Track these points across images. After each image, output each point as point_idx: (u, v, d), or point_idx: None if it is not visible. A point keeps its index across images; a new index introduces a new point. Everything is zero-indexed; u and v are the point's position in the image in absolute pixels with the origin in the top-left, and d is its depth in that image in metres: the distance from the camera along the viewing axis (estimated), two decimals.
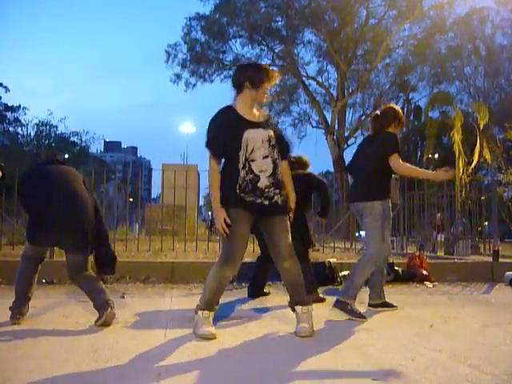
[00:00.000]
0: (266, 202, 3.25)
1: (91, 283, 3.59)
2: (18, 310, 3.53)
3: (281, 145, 3.38)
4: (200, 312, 3.25)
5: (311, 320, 3.29)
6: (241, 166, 3.22)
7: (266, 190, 3.24)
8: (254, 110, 3.36)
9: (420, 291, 5.83)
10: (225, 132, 3.26)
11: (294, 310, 3.34)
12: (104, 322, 3.40)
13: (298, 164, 5.13)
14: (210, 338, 3.12)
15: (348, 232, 11.23)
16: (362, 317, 3.86)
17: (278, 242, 3.32)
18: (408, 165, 4.18)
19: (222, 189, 3.25)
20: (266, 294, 5.14)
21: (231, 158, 3.26)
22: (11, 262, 6.06)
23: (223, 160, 3.33)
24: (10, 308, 3.52)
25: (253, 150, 3.22)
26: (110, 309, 3.43)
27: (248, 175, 3.22)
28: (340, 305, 3.90)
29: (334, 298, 3.99)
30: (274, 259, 3.39)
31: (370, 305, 4.39)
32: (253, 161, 3.23)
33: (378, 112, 4.36)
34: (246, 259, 5.69)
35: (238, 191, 3.21)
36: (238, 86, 3.34)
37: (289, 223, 3.38)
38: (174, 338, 3.18)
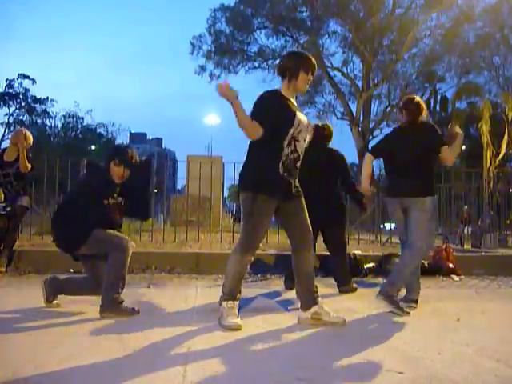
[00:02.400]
0: (297, 183, 3.41)
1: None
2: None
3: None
4: (224, 303, 3.28)
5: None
6: (286, 143, 3.28)
7: (291, 178, 3.36)
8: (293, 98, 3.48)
9: (446, 284, 5.77)
10: (277, 109, 3.29)
11: (312, 305, 3.36)
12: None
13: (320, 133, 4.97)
14: (235, 328, 3.12)
15: (373, 224, 11.14)
16: (403, 311, 3.83)
17: (303, 226, 3.38)
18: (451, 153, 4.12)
19: (261, 164, 3.30)
20: None
21: (279, 133, 3.28)
22: (40, 252, 6.19)
23: (264, 137, 3.24)
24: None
25: (300, 131, 3.33)
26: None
27: (293, 154, 3.31)
28: (385, 296, 3.87)
29: (366, 289, 3.97)
30: (293, 245, 3.44)
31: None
32: (297, 141, 3.32)
33: (415, 100, 4.22)
34: (285, 252, 5.70)
35: (280, 170, 3.27)
36: (283, 73, 3.41)
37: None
38: (199, 328, 3.21)
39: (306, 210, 3.41)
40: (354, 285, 4.97)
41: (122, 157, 3.80)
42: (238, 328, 3.13)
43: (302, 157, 3.38)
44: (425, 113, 4.18)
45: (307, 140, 3.43)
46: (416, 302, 4.08)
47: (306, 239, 3.39)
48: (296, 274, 3.45)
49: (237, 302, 3.33)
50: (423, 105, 4.20)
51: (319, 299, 3.38)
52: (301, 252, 3.40)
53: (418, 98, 4.25)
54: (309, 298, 3.37)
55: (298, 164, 3.36)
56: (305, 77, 3.39)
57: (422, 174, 4.05)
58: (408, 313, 3.81)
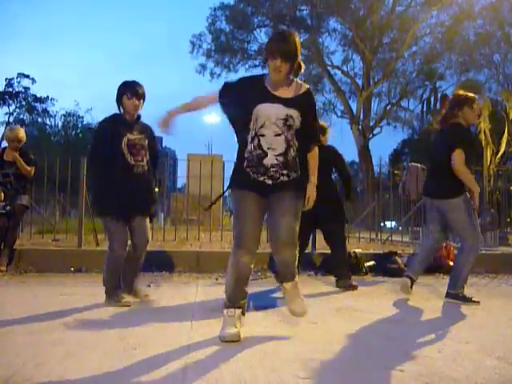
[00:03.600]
0: (270, 182, 2.95)
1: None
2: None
3: (307, 129, 3.03)
4: (225, 311, 2.98)
5: (302, 295, 3.18)
6: (249, 138, 2.97)
7: (272, 170, 2.94)
8: (285, 83, 3.00)
9: (447, 282, 5.75)
10: (241, 98, 3.00)
11: (281, 283, 3.18)
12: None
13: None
14: (229, 340, 2.82)
15: (373, 222, 11.14)
16: (475, 302, 4.13)
17: (278, 225, 2.97)
18: (467, 171, 4.16)
19: (235, 160, 3.09)
20: None
21: (242, 127, 3.01)
22: (40, 251, 6.20)
23: (234, 128, 3.12)
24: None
25: (263, 125, 2.94)
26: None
27: (256, 150, 2.95)
28: (452, 297, 4.20)
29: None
30: (271, 245, 3.08)
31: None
32: (262, 135, 2.95)
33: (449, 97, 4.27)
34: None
35: (244, 165, 2.98)
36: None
37: (296, 207, 3.01)
38: (200, 327, 3.21)
39: (295, 208, 3.01)
40: (354, 283, 4.98)
41: (132, 89, 3.98)
42: (233, 339, 2.83)
43: (272, 152, 2.94)
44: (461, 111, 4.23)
45: (281, 132, 2.95)
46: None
47: (279, 237, 2.98)
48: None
49: (239, 310, 2.99)
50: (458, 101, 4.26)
51: (287, 283, 3.13)
52: (277, 251, 3.04)
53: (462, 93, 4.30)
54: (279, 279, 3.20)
55: (266, 161, 2.93)
56: (270, 62, 2.91)
57: (449, 174, 4.10)
58: (478, 302, 4.13)
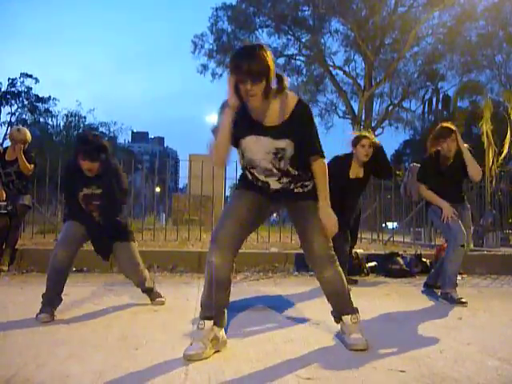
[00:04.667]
0: (283, 192, 2.73)
1: None
2: None
3: (305, 147, 2.65)
4: (198, 323, 2.63)
5: (363, 331, 2.78)
6: (246, 169, 2.75)
7: (284, 187, 2.72)
8: (272, 103, 2.55)
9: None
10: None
11: (338, 321, 2.84)
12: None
13: None
14: (189, 359, 2.42)
15: (375, 223, 11.14)
16: (462, 303, 4.19)
17: (307, 242, 2.71)
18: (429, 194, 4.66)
19: (240, 175, 2.84)
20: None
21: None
22: (42, 251, 6.20)
23: None
24: None
25: (252, 160, 2.66)
26: None
27: (257, 181, 2.73)
28: (442, 296, 4.38)
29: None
30: (308, 262, 2.81)
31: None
32: (253, 168, 2.69)
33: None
34: (284, 251, 5.67)
35: (251, 181, 2.74)
36: None
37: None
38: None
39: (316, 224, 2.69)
40: (355, 278, 5.10)
41: (85, 152, 3.47)
42: (191, 359, 2.42)
43: (272, 179, 2.68)
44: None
45: (272, 166, 2.64)
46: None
47: (316, 254, 2.70)
48: (325, 294, 2.86)
49: (209, 323, 2.56)
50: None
51: (346, 316, 2.79)
52: (317, 271, 2.76)
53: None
54: (334, 314, 2.89)
55: (272, 188, 2.71)
56: (240, 86, 2.44)
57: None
58: (465, 303, 4.19)
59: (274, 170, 2.65)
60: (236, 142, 2.62)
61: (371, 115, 28.42)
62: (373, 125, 28.25)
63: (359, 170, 5.11)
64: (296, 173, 2.70)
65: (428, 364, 2.47)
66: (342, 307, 2.81)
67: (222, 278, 2.58)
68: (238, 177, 2.93)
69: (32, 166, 6.01)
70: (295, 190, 2.73)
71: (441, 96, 33.52)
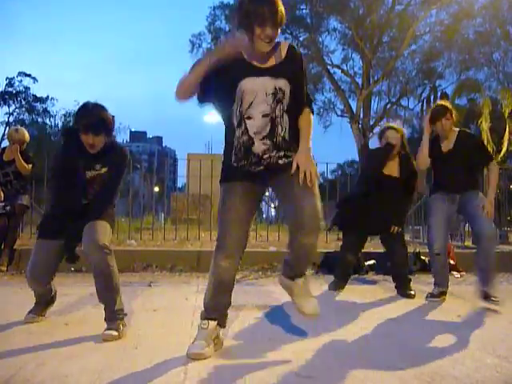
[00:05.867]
0: (267, 171, 2.57)
1: None
2: None
3: (295, 95, 2.59)
4: (200, 322, 2.63)
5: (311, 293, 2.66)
6: (236, 123, 2.56)
7: (265, 156, 2.54)
8: (267, 47, 2.54)
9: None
10: (219, 77, 2.50)
11: (291, 280, 2.63)
12: None
13: None
14: (192, 358, 2.45)
15: None
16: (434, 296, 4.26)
17: (298, 210, 2.45)
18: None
19: (223, 156, 2.69)
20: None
21: (226, 111, 2.62)
22: None
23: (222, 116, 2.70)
24: None
25: (251, 104, 2.52)
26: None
27: (242, 136, 2.55)
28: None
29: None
30: (290, 232, 2.56)
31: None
32: (249, 118, 2.53)
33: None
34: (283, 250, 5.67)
35: (232, 159, 2.59)
36: None
37: (312, 186, 2.48)
38: None
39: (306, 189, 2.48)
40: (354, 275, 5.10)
41: (85, 123, 3.07)
42: (195, 358, 2.45)
43: (258, 137, 2.52)
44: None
45: (270, 110, 2.53)
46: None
47: (302, 227, 2.47)
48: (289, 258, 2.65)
49: (213, 323, 2.58)
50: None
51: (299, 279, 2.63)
52: (296, 237, 2.51)
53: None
54: (289, 273, 2.66)
55: (255, 148, 2.53)
56: (257, 30, 2.48)
57: None
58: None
59: (268, 118, 2.52)
60: (230, 88, 2.53)
61: (369, 113, 28.39)
62: (371, 123, 28.27)
63: (393, 167, 4.72)
64: (282, 133, 2.55)
65: (427, 362, 2.47)
66: (302, 270, 2.64)
67: (228, 280, 2.63)
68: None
69: (30, 165, 6.00)
70: (279, 162, 2.55)
71: (439, 94, 33.50)
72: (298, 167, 2.48)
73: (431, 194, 4.46)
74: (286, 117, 2.57)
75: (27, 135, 6.12)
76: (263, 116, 2.52)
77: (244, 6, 2.49)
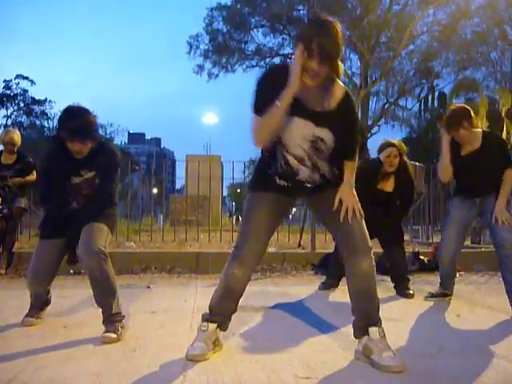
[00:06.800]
0: (309, 185, 2.53)
1: None
2: None
3: (343, 146, 2.51)
4: (200, 323, 2.60)
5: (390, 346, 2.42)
6: (279, 150, 2.49)
7: (310, 180, 2.52)
8: (310, 82, 2.32)
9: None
10: (272, 93, 2.30)
11: (363, 334, 2.49)
12: None
13: None
14: (190, 359, 2.43)
15: None
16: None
17: (346, 231, 2.44)
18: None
19: (256, 169, 2.67)
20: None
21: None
22: None
23: None
24: None
25: (286, 146, 2.45)
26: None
27: (285, 166, 2.49)
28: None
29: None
30: (345, 250, 2.49)
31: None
32: (287, 152, 2.47)
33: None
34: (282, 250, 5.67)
35: (271, 169, 2.53)
36: None
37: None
38: None
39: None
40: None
41: (70, 128, 2.96)
42: (194, 359, 2.42)
43: (303, 168, 2.48)
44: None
45: (306, 156, 2.46)
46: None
47: (355, 243, 2.44)
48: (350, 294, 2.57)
49: (213, 326, 2.55)
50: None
51: (374, 328, 2.47)
52: (352, 264, 2.46)
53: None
54: (358, 324, 2.54)
55: (300, 177, 2.50)
56: (307, 62, 2.28)
57: None
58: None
59: (306, 161, 2.47)
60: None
61: (367, 114, 28.43)
62: (369, 123, 28.29)
63: (387, 182, 4.65)
64: (327, 168, 2.52)
65: (426, 361, 2.47)
66: (370, 314, 2.50)
67: (239, 289, 2.61)
68: (252, 174, 2.78)
69: (33, 175, 6.03)
70: (321, 181, 2.54)
71: (436, 94, 33.58)
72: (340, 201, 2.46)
73: (452, 197, 4.29)
74: (325, 164, 2.51)
75: (17, 137, 6.05)
76: (296, 159, 2.46)
77: (303, 32, 2.40)
